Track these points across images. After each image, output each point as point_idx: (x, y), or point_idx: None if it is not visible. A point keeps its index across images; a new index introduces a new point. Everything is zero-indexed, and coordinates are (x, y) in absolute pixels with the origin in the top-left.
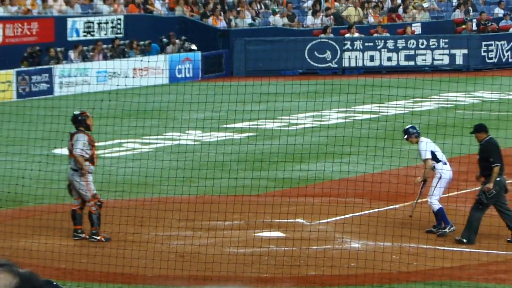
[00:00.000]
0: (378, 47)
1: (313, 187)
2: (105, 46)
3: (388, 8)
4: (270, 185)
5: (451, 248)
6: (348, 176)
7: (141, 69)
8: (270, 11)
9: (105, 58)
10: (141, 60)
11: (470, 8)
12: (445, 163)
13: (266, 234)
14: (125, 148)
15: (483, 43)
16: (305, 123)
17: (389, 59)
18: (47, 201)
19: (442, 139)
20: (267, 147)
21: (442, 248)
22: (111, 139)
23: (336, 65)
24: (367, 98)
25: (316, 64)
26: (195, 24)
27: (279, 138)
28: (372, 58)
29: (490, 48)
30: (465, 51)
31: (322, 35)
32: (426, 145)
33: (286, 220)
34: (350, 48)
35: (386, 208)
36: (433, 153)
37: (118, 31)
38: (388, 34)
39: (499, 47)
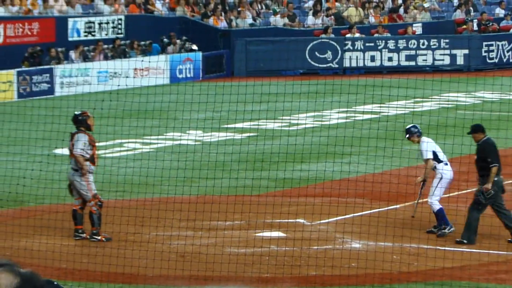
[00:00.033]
0: (379, 47)
1: (314, 187)
2: (106, 46)
3: (389, 8)
4: (270, 185)
5: (452, 248)
6: (348, 176)
7: (142, 69)
8: (271, 11)
9: (106, 58)
10: (142, 60)
11: (471, 8)
12: (446, 164)
13: (266, 234)
14: (126, 148)
15: (484, 43)
16: (305, 123)
17: (390, 59)
18: (48, 201)
19: (443, 139)
20: (267, 147)
21: (443, 248)
22: (112, 139)
23: (337, 65)
24: (368, 98)
25: (317, 64)
26: (196, 24)
27: (279, 138)
28: (373, 58)
29: (491, 48)
30: (466, 51)
31: (323, 35)
32: (428, 145)
33: (286, 220)
34: (351, 48)
35: (386, 208)
36: (434, 153)
37: (119, 31)
38: (389, 34)
39: (500, 47)
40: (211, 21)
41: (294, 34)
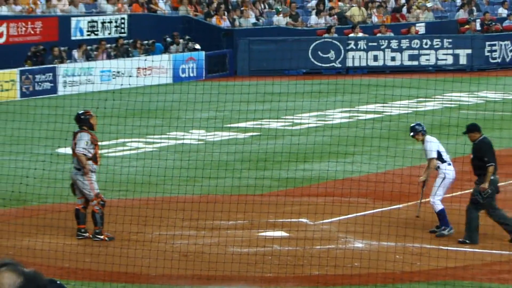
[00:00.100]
0: (382, 47)
1: (317, 186)
2: (109, 45)
3: (392, 8)
4: (274, 185)
5: (455, 248)
6: (351, 175)
7: (145, 69)
8: (274, 10)
9: (109, 57)
10: (145, 60)
11: (474, 8)
12: (450, 164)
13: (269, 233)
14: (129, 148)
15: (487, 43)
16: (309, 123)
17: (393, 59)
18: (51, 200)
19: (446, 139)
20: (271, 146)
21: (446, 248)
22: (115, 138)
23: (340, 65)
24: (371, 97)
25: (320, 64)
26: (199, 23)
27: (283, 138)
28: (376, 58)
29: (493, 48)
30: (469, 51)
31: (326, 35)
32: (433, 145)
33: (289, 220)
34: (354, 48)
35: (389, 208)
36: (438, 153)
37: (122, 30)
38: (392, 34)
39: (503, 47)
40: (214, 20)
41: (297, 33)
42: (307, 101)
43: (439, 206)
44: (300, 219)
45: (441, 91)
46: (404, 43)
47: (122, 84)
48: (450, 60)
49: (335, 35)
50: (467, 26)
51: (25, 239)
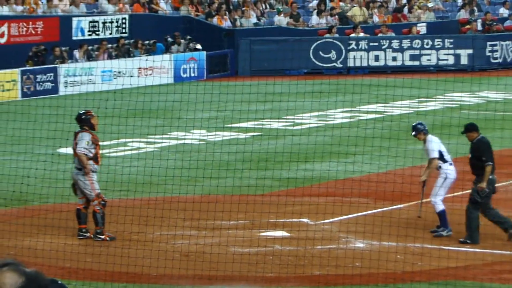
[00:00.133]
0: (383, 47)
1: (318, 186)
2: (110, 45)
3: (393, 8)
4: (274, 185)
5: (456, 248)
6: (353, 176)
7: (146, 69)
8: (275, 11)
9: (110, 57)
10: (146, 60)
11: (475, 8)
12: (451, 164)
13: (270, 233)
14: (130, 148)
15: (488, 43)
16: (310, 123)
17: (394, 59)
18: (52, 200)
19: (447, 139)
20: (272, 146)
21: (447, 248)
22: (116, 138)
23: (341, 65)
24: (372, 98)
25: (321, 64)
26: (200, 23)
27: (284, 138)
28: (377, 58)
29: (495, 48)
30: (470, 51)
31: (327, 35)
32: (435, 145)
33: (290, 220)
34: (355, 48)
35: (390, 208)
36: (440, 153)
37: (123, 30)
38: (393, 34)
39: (504, 47)
40: (215, 20)
41: (298, 33)
42: (308, 101)
43: (440, 207)
44: (301, 219)
45: (442, 91)
46: (405, 43)
47: (123, 84)
48: (451, 60)
49: (336, 35)
50: (468, 26)
51: (26, 239)
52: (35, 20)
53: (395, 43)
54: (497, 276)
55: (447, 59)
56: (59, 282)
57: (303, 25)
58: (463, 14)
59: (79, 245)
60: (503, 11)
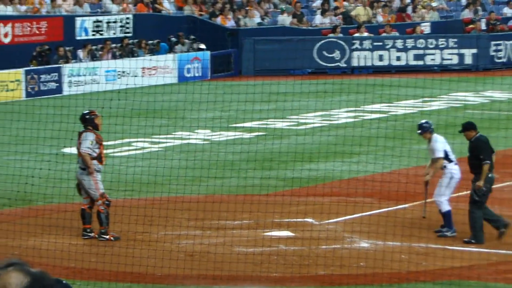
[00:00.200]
0: (387, 47)
1: (322, 186)
2: (114, 45)
3: (397, 7)
4: (279, 185)
5: (460, 248)
6: (357, 175)
7: (150, 69)
8: (279, 10)
9: (114, 57)
10: (150, 59)
11: (479, 7)
12: (456, 164)
13: (275, 233)
14: (134, 147)
15: (492, 42)
16: (314, 123)
17: (398, 58)
18: (56, 200)
19: (451, 139)
20: (276, 146)
21: (451, 247)
22: (120, 138)
23: (345, 65)
24: (376, 97)
25: (325, 64)
26: (204, 23)
27: (288, 138)
28: (381, 58)
29: (499, 47)
30: (474, 50)
31: (331, 35)
32: (441, 144)
33: (295, 220)
34: (359, 47)
35: (395, 207)
36: (445, 153)
37: (127, 30)
38: (397, 34)
39: (508, 47)
40: (219, 20)
41: (302, 33)
42: (312, 101)
43: (446, 207)
44: (306, 219)
45: (447, 91)
46: (409, 42)
47: (127, 84)
48: (455, 59)
49: (340, 34)
50: (472, 26)
51: (31, 239)
52: (39, 20)
53: (399, 43)
54: (502, 276)
55: (451, 59)
56: (64, 282)
57: (307, 24)
58: (467, 14)
59: (83, 245)
60: (507, 11)
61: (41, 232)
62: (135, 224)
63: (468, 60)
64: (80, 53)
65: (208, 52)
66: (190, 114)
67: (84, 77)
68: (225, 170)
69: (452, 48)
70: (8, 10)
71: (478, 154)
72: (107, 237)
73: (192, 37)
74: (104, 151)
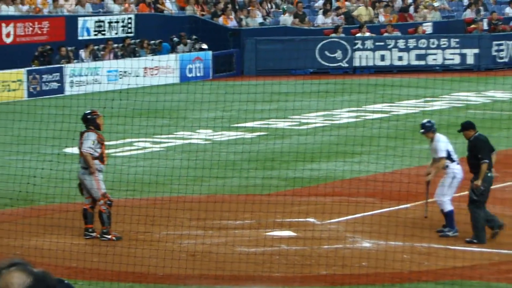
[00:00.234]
0: (389, 47)
1: (324, 186)
2: (115, 45)
3: (399, 7)
4: (281, 184)
5: (463, 248)
6: (359, 175)
7: (152, 69)
8: (281, 10)
9: (116, 57)
10: (152, 60)
11: (481, 7)
12: (458, 163)
13: (277, 233)
14: (136, 147)
15: (494, 42)
16: (316, 123)
17: (400, 58)
18: (58, 200)
19: (453, 139)
20: (278, 146)
21: (454, 247)
22: (122, 138)
23: (347, 65)
24: (378, 97)
25: (327, 64)
26: (206, 23)
27: (290, 138)
28: (383, 58)
29: (501, 47)
30: (476, 50)
31: (333, 35)
32: (443, 144)
33: (297, 220)
34: (361, 47)
35: (397, 207)
36: (448, 152)
37: (129, 30)
38: (399, 34)
39: (510, 46)
40: (221, 20)
41: (304, 33)
42: (314, 101)
43: (448, 207)
44: (308, 219)
45: (449, 91)
46: (411, 42)
47: (129, 84)
48: (457, 59)
49: (342, 34)
50: (474, 26)
51: (33, 239)
52: (41, 20)
53: (401, 43)
54: (504, 276)
55: (453, 59)
56: (66, 282)
57: (309, 24)
58: (469, 14)
59: (85, 245)
60: (509, 11)
61: (43, 232)
62: (137, 224)
63: (470, 60)
64: (82, 53)
65: (210, 52)
66: (192, 114)
67: (86, 77)
68: (226, 170)
69: (454, 48)
70: (10, 10)
71: (477, 154)
72: (109, 237)
73: (194, 37)
74: (106, 151)
